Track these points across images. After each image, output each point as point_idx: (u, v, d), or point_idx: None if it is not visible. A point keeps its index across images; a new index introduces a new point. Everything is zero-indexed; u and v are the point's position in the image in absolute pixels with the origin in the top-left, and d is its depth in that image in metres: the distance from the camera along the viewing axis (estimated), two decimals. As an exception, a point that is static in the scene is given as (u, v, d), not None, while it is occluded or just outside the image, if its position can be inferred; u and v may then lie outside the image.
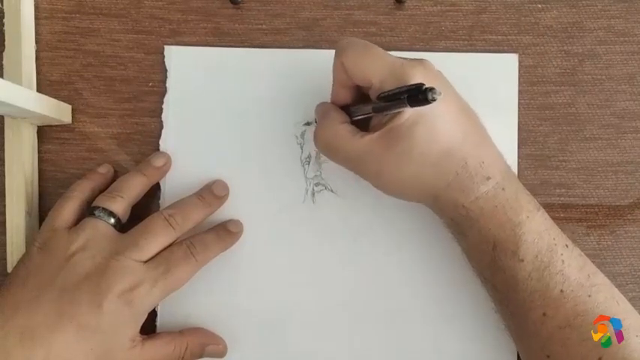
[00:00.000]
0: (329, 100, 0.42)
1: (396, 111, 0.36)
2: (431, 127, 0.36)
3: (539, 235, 0.37)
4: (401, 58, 0.37)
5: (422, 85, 0.33)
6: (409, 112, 0.36)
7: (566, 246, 0.37)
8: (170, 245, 0.41)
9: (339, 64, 0.38)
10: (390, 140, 0.36)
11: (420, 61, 0.37)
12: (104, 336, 0.37)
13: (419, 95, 0.32)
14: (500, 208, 0.37)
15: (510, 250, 0.37)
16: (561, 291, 0.36)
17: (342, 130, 0.38)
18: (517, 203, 0.37)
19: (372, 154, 0.37)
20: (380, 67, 0.37)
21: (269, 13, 0.46)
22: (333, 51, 0.45)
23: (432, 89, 0.32)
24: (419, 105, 0.33)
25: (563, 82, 0.45)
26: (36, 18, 0.46)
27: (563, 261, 0.37)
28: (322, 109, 0.41)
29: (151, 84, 0.46)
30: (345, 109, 0.41)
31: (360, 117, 0.39)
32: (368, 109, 0.38)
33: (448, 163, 0.36)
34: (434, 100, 0.32)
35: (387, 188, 0.39)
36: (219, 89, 0.45)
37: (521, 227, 0.37)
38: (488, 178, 0.37)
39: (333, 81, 0.40)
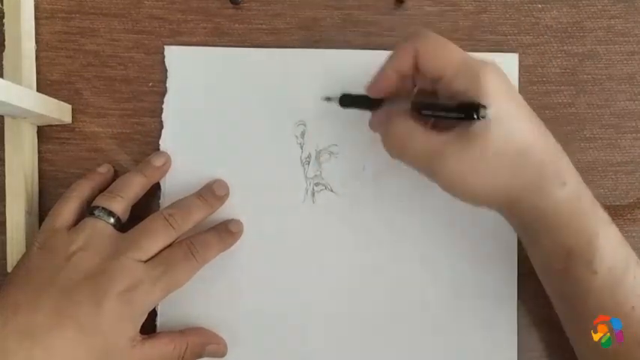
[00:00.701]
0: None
1: (439, 115, 0.36)
2: (507, 126, 0.35)
3: (613, 248, 0.36)
4: (473, 57, 0.36)
5: (477, 106, 0.33)
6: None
7: (638, 263, 0.37)
8: (170, 245, 0.41)
9: (409, 49, 0.37)
10: (467, 139, 0.35)
11: (492, 62, 0.36)
12: (104, 336, 0.37)
13: (471, 109, 0.33)
14: (577, 217, 0.36)
15: (585, 261, 0.36)
16: (633, 307, 0.36)
17: (414, 127, 0.37)
18: (593, 214, 0.37)
19: (448, 153, 0.35)
20: (456, 60, 0.36)
21: (269, 13, 0.46)
22: (333, 51, 0.45)
23: (484, 107, 0.33)
24: (466, 119, 0.34)
25: (563, 82, 0.45)
26: (36, 18, 0.46)
27: (635, 277, 0.36)
28: (382, 116, 0.39)
29: (151, 84, 0.46)
30: (382, 103, 0.39)
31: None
32: (407, 106, 0.37)
33: (524, 163, 0.36)
34: (484, 118, 0.32)
35: (460, 191, 0.37)
36: (219, 89, 0.45)
37: (598, 238, 0.36)
38: (564, 184, 0.36)
39: (388, 64, 0.38)
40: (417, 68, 0.37)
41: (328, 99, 0.43)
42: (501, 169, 0.36)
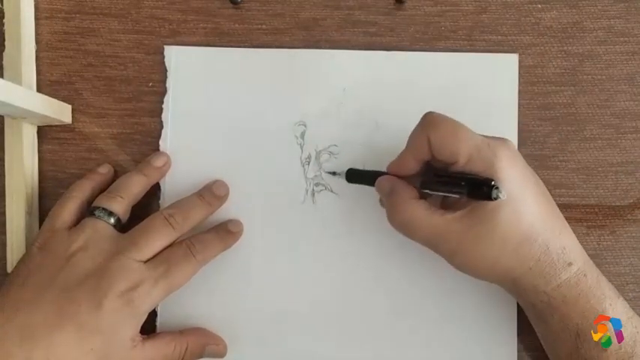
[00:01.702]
0: (384, 168, 0.40)
1: (446, 195, 0.36)
2: (515, 210, 0.35)
3: (622, 324, 0.36)
4: (484, 136, 0.36)
5: (491, 180, 0.33)
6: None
7: None
8: (170, 245, 0.41)
9: (423, 137, 0.37)
10: (473, 220, 0.35)
11: (504, 141, 0.37)
12: (104, 336, 0.37)
13: (483, 189, 0.33)
14: (584, 296, 0.36)
15: (594, 340, 0.36)
16: None
17: (419, 207, 0.37)
18: (599, 290, 0.37)
19: (452, 232, 0.36)
20: (468, 146, 0.36)
21: (269, 13, 0.46)
22: (333, 51, 0.45)
23: (498, 188, 0.33)
24: (478, 198, 0.33)
25: (563, 82, 0.45)
26: (36, 18, 0.46)
27: None
28: (388, 186, 0.39)
29: (151, 84, 0.46)
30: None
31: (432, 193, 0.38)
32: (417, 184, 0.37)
33: (529, 248, 0.36)
34: (497, 199, 0.32)
35: (463, 267, 0.38)
36: (219, 89, 0.45)
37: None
38: (570, 264, 0.36)
39: (406, 151, 0.38)
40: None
41: (334, 173, 0.44)
42: (505, 252, 0.36)
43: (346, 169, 0.43)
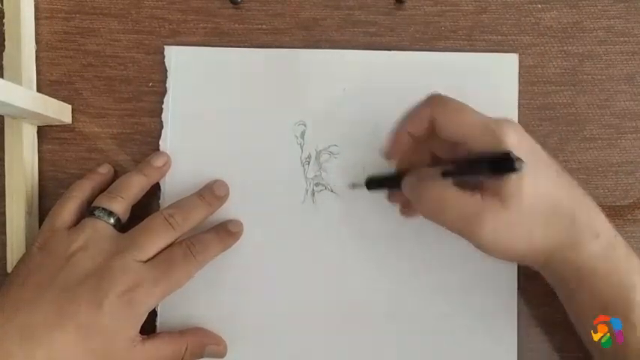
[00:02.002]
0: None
1: (471, 179, 0.35)
2: (534, 183, 0.35)
3: None
4: (490, 117, 0.36)
5: (508, 152, 0.33)
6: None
7: None
8: (170, 245, 0.41)
9: (425, 115, 0.37)
10: (502, 198, 0.35)
11: (510, 120, 0.36)
12: (104, 336, 0.37)
13: (505, 162, 0.33)
14: (614, 269, 0.36)
15: (622, 315, 0.36)
16: None
17: (448, 189, 0.36)
18: (629, 264, 0.37)
19: (485, 213, 0.35)
20: (474, 124, 0.36)
21: (269, 13, 0.46)
22: (333, 51, 0.45)
23: (519, 159, 0.32)
24: (501, 173, 0.33)
25: (563, 82, 0.45)
26: (36, 18, 0.46)
27: None
28: (413, 179, 0.38)
29: (151, 84, 0.46)
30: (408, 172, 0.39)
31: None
32: (438, 175, 0.37)
33: (557, 219, 0.36)
34: (520, 169, 0.32)
35: (496, 251, 0.37)
36: (219, 89, 0.45)
37: (634, 291, 0.36)
38: (598, 235, 0.36)
39: (402, 126, 0.38)
40: (430, 134, 0.37)
41: (354, 186, 0.44)
42: (536, 226, 0.36)
43: (361, 178, 0.43)
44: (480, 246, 0.37)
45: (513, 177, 0.34)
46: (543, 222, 0.36)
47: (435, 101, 0.37)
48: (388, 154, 0.40)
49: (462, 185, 0.37)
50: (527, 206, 0.35)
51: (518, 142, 0.35)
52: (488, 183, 0.36)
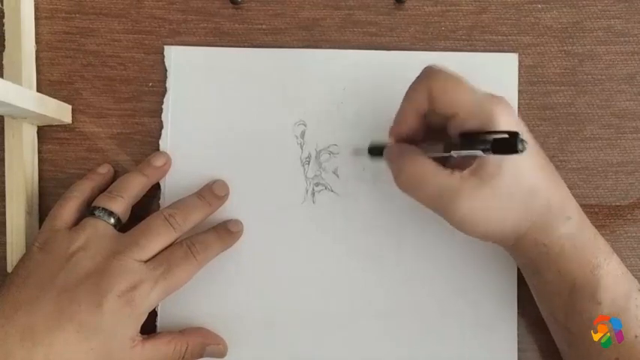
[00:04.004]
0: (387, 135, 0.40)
1: (470, 153, 0.35)
2: (516, 165, 0.35)
3: (616, 278, 0.37)
4: (484, 94, 0.36)
5: (516, 135, 0.32)
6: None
7: (639, 290, 0.38)
8: (170, 245, 0.41)
9: (422, 88, 0.37)
10: (481, 179, 0.35)
11: (502, 98, 0.36)
12: (104, 336, 0.37)
13: (507, 144, 0.32)
14: (580, 249, 0.37)
15: (589, 293, 0.37)
16: (636, 336, 0.36)
17: (428, 165, 0.36)
18: (595, 245, 0.38)
19: (462, 192, 0.35)
20: (469, 99, 0.36)
21: (269, 13, 0.46)
22: (333, 51, 0.45)
23: (520, 139, 0.32)
24: (502, 152, 0.33)
25: (563, 82, 0.45)
26: (36, 18, 0.46)
27: (637, 306, 0.37)
28: (396, 150, 0.39)
29: (151, 84, 0.46)
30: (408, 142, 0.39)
31: (434, 155, 0.38)
32: (441, 150, 0.37)
33: (533, 202, 0.36)
34: (522, 151, 0.32)
35: (470, 228, 0.37)
36: (219, 89, 0.45)
37: (600, 269, 0.37)
38: (569, 218, 0.37)
39: (404, 105, 0.38)
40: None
41: (356, 152, 0.44)
42: (511, 207, 0.36)
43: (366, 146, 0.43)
44: (454, 223, 0.37)
45: (496, 157, 0.35)
46: (519, 204, 0.36)
47: (430, 73, 0.37)
48: (396, 133, 0.40)
49: (443, 164, 0.37)
50: (505, 188, 0.35)
51: (507, 124, 0.35)
52: (470, 161, 0.36)
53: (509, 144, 0.33)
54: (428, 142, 0.38)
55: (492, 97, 0.36)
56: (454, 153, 0.36)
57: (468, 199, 0.36)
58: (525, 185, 0.36)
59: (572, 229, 0.37)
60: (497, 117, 0.35)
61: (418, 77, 0.38)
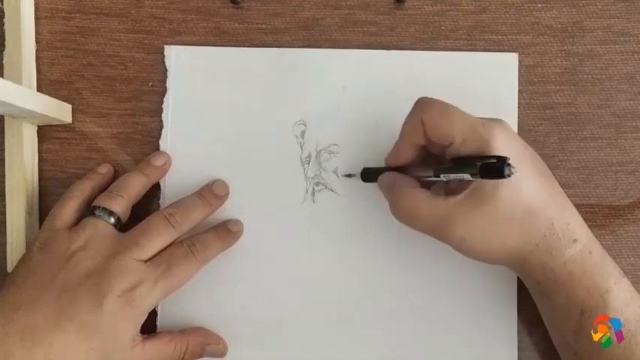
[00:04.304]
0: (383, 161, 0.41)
1: (457, 177, 0.35)
2: (515, 187, 0.35)
3: (626, 302, 0.37)
4: (479, 118, 0.36)
5: (505, 158, 0.33)
6: None
7: None
8: (170, 245, 0.41)
9: (416, 121, 0.37)
10: (476, 201, 0.35)
11: (500, 121, 0.37)
12: (104, 335, 0.37)
13: (496, 169, 0.33)
14: (589, 273, 0.37)
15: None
16: None
17: (421, 194, 0.37)
18: (604, 269, 0.37)
19: (457, 216, 0.36)
20: (462, 126, 0.36)
21: (269, 13, 0.46)
22: (333, 51, 0.45)
23: (508, 164, 0.32)
24: (490, 177, 0.33)
25: (563, 81, 0.45)
26: (36, 18, 0.46)
27: None
28: (388, 179, 0.40)
29: (151, 84, 0.46)
30: (402, 170, 0.40)
31: (424, 179, 0.38)
32: (431, 173, 0.37)
33: (534, 224, 0.36)
34: (510, 175, 0.32)
35: (472, 252, 0.37)
36: (219, 89, 0.45)
37: (610, 294, 0.36)
38: (575, 241, 0.37)
39: (401, 138, 0.39)
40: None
41: (350, 175, 0.44)
42: (511, 230, 0.36)
43: (359, 170, 0.43)
44: (454, 247, 0.37)
45: (491, 182, 0.35)
46: (519, 227, 0.36)
47: (421, 105, 0.37)
48: (392, 164, 0.40)
49: (438, 192, 0.37)
50: (503, 210, 0.35)
51: (504, 146, 0.35)
52: (466, 186, 0.36)
53: (496, 169, 0.33)
54: (421, 167, 0.39)
55: (488, 121, 0.36)
56: (443, 177, 0.36)
57: (463, 222, 0.36)
58: (524, 207, 0.36)
59: (580, 252, 0.37)
60: (492, 141, 0.35)
61: (411, 111, 0.38)
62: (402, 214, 0.38)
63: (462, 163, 0.36)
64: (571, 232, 0.37)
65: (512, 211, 0.35)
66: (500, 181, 0.35)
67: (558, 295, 0.37)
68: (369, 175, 0.42)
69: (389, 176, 0.40)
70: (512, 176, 0.33)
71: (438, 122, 0.36)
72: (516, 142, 0.37)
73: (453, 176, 0.36)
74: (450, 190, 0.39)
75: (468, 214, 0.35)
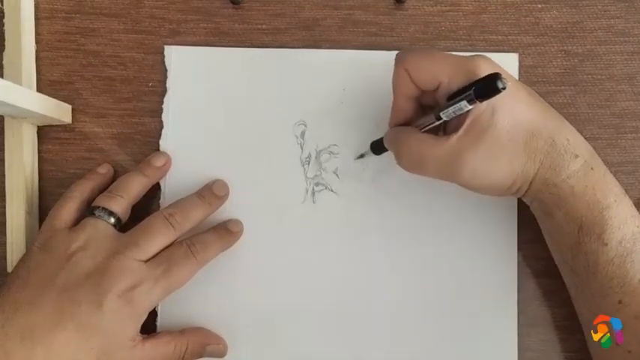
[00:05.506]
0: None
1: (464, 111, 0.35)
2: (510, 111, 0.36)
3: (624, 220, 0.37)
4: (460, 55, 0.37)
5: (495, 74, 0.33)
6: (484, 104, 0.35)
7: None
8: (170, 245, 0.41)
9: (401, 73, 0.37)
10: (477, 131, 0.36)
11: (480, 54, 0.37)
12: (104, 335, 0.37)
13: (488, 86, 0.33)
14: (590, 189, 0.37)
15: (596, 233, 0.37)
16: (639, 281, 0.36)
17: (424, 139, 0.37)
18: (606, 185, 0.37)
19: (462, 151, 0.36)
20: (446, 64, 0.36)
21: (269, 13, 0.46)
22: (333, 51, 0.45)
23: (500, 77, 0.32)
24: (488, 97, 0.33)
25: (563, 82, 0.45)
26: (36, 18, 0.46)
27: None
28: (392, 133, 0.40)
29: (151, 84, 0.46)
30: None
31: (428, 127, 0.38)
32: (432, 118, 0.37)
33: (537, 143, 0.36)
34: (504, 88, 0.32)
35: (484, 185, 0.37)
36: (219, 89, 0.45)
37: (609, 210, 0.37)
38: (577, 156, 0.37)
39: (395, 94, 0.39)
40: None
41: (362, 156, 0.44)
42: (516, 152, 0.36)
43: (367, 148, 0.43)
44: (465, 183, 0.37)
45: (487, 109, 0.35)
46: (522, 147, 0.36)
47: (401, 57, 0.38)
48: (395, 124, 0.40)
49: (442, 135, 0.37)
50: (504, 135, 0.36)
51: (489, 71, 0.35)
52: (462, 122, 0.36)
53: (489, 85, 0.33)
54: (421, 117, 0.39)
55: (470, 57, 0.36)
56: (443, 115, 0.36)
57: (470, 155, 0.36)
58: (523, 128, 0.36)
59: (582, 167, 0.37)
60: (477, 70, 0.35)
61: (394, 66, 0.38)
62: (410, 162, 0.38)
63: (456, 95, 0.36)
64: (572, 147, 0.37)
65: (513, 134, 0.36)
66: (496, 108, 0.35)
67: (559, 212, 0.38)
68: (378, 146, 0.42)
69: (392, 131, 0.40)
70: (506, 100, 0.34)
71: (422, 67, 0.37)
72: (499, 69, 0.37)
73: (452, 110, 0.36)
74: (453, 129, 0.38)
75: (473, 146, 0.36)
